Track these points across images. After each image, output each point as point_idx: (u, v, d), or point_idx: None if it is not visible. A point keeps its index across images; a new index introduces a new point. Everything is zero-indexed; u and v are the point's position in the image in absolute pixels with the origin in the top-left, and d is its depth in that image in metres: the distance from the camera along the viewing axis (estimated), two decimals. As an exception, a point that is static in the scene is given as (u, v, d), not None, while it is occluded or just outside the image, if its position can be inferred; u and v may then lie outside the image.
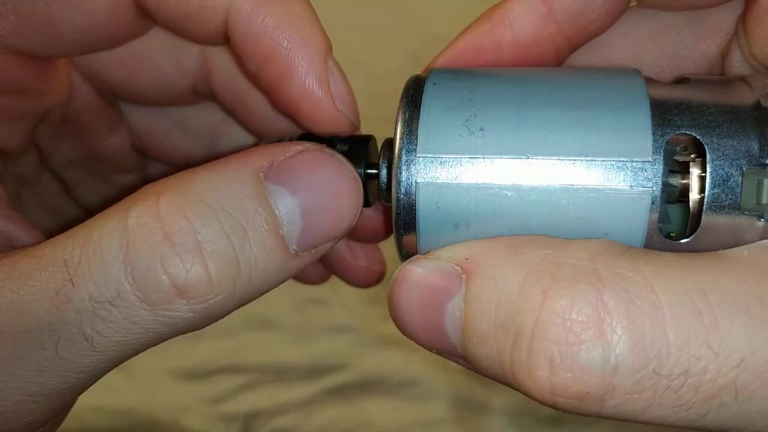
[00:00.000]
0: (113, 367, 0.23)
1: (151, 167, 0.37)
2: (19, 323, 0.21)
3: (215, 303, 0.22)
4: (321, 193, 0.23)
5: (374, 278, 0.39)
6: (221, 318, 0.23)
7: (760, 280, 0.19)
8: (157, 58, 0.31)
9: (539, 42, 0.25)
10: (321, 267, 0.39)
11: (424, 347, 0.23)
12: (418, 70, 0.26)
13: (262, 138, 0.34)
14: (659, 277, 0.20)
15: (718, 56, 0.26)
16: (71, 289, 0.21)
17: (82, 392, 0.23)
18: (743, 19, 0.25)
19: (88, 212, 0.37)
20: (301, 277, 0.40)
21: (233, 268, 0.22)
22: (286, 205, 0.23)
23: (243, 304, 0.23)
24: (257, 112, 0.32)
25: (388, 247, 0.66)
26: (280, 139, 0.28)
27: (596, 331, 0.19)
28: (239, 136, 0.35)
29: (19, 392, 0.22)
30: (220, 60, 0.31)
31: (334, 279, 0.66)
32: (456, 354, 0.22)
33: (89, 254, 0.21)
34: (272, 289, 0.24)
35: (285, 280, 0.24)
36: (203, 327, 0.23)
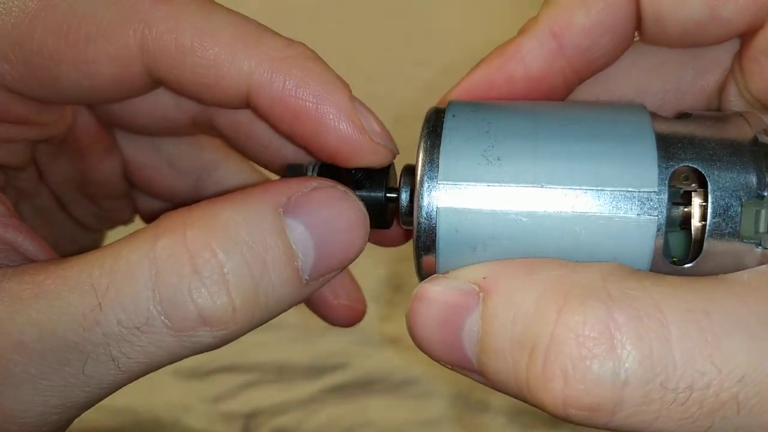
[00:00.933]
0: (128, 383, 0.24)
1: (138, 196, 0.38)
2: (46, 342, 0.22)
3: (235, 330, 0.23)
4: (333, 227, 0.25)
5: (355, 317, 0.40)
6: (232, 341, 0.24)
7: (759, 301, 0.20)
8: (157, 90, 0.31)
9: (550, 75, 0.27)
10: None
11: (440, 362, 0.24)
12: (436, 99, 0.28)
13: (266, 166, 0.35)
14: (665, 297, 0.21)
15: (716, 91, 0.28)
16: (99, 313, 0.22)
17: (95, 405, 0.25)
18: (739, 57, 0.27)
19: (83, 227, 0.38)
20: None
21: (253, 298, 0.23)
22: (302, 239, 0.24)
23: (256, 327, 0.25)
24: (263, 142, 0.33)
25: (367, 282, 0.65)
26: (302, 166, 0.29)
27: (607, 346, 0.20)
28: (226, 176, 0.37)
29: (43, 404, 0.23)
30: None
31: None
32: (471, 369, 0.23)
33: (117, 281, 0.22)
34: (282, 313, 0.25)
35: (294, 305, 0.25)
36: (217, 348, 0.25)
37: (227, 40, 0.25)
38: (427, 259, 0.25)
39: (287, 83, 0.25)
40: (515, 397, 0.23)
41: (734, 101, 0.27)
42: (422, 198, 0.24)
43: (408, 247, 0.70)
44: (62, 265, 0.23)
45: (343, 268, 0.26)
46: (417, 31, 0.73)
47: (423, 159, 0.24)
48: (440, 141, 0.24)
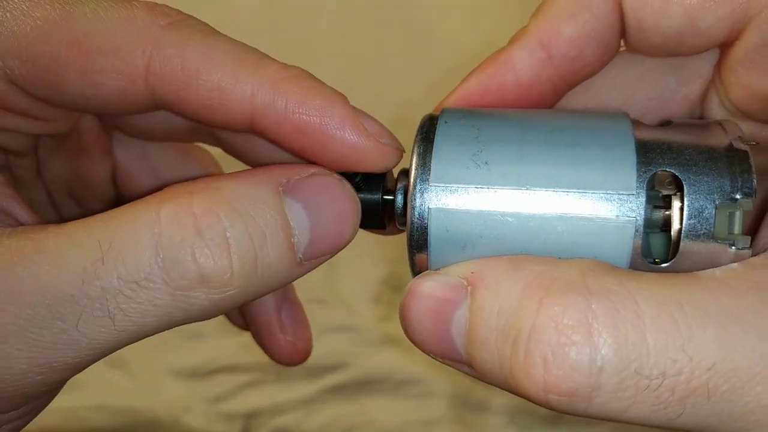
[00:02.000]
0: (116, 350, 0.24)
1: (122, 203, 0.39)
2: (41, 293, 0.23)
3: (230, 295, 0.24)
4: (328, 211, 0.26)
5: (298, 357, 0.41)
6: (225, 312, 0.25)
7: (730, 296, 0.22)
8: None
9: (539, 83, 0.28)
10: (240, 317, 0.42)
11: (431, 355, 0.26)
12: (436, 100, 0.29)
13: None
14: (641, 291, 0.22)
15: (699, 100, 0.30)
16: (101, 267, 0.23)
17: (78, 372, 0.25)
18: (718, 67, 0.28)
19: None
20: (229, 316, 0.42)
21: (251, 266, 0.24)
22: (299, 218, 0.25)
23: (249, 300, 0.25)
24: (262, 143, 0.34)
25: (367, 282, 0.65)
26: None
27: (585, 334, 0.21)
28: None
29: (28, 362, 0.23)
30: None
31: (334, 279, 0.66)
32: (461, 360, 0.25)
33: (121, 238, 0.23)
34: (274, 291, 0.26)
35: (285, 284, 0.26)
36: (209, 318, 0.25)
37: (230, 65, 0.26)
38: (419, 257, 0.26)
39: (289, 101, 0.27)
40: (501, 386, 0.24)
41: (716, 109, 0.29)
42: (415, 199, 0.25)
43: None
44: (63, 225, 0.24)
45: (334, 253, 0.27)
46: (417, 33, 0.73)
47: (416, 162, 0.26)
48: (432, 146, 0.26)
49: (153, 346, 0.63)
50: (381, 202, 0.29)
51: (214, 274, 0.23)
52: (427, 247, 0.26)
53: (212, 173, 0.39)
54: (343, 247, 0.27)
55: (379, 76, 0.70)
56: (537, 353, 0.22)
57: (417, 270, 0.27)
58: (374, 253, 0.67)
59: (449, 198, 0.25)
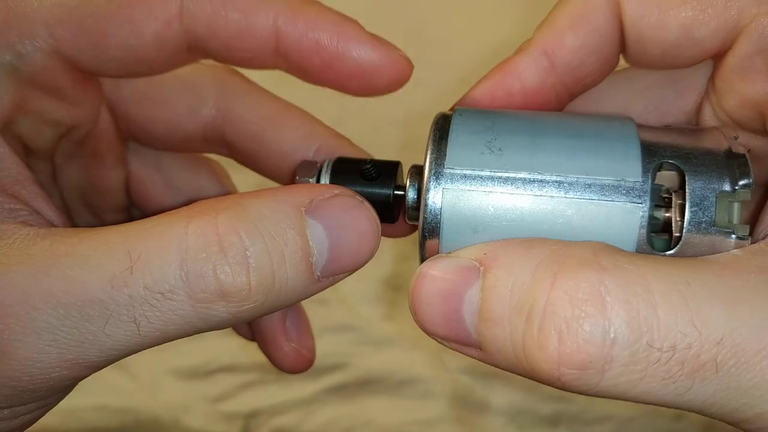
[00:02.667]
0: (140, 351, 0.26)
1: (134, 213, 0.41)
2: (73, 295, 0.24)
3: (247, 308, 0.25)
4: (348, 232, 0.27)
5: (301, 364, 0.42)
6: (245, 322, 0.25)
7: (735, 277, 0.23)
8: (174, 103, 0.35)
9: (543, 90, 0.30)
10: (248, 330, 0.43)
11: (438, 338, 0.26)
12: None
13: (275, 178, 0.38)
14: (650, 269, 0.23)
15: (694, 111, 0.31)
16: (129, 276, 0.24)
17: (101, 369, 0.26)
18: (712, 78, 0.30)
19: None
20: (236, 327, 0.44)
21: (269, 283, 0.25)
22: (318, 238, 0.26)
23: (267, 313, 0.27)
24: (273, 148, 0.36)
25: (367, 282, 0.66)
26: (314, 163, 0.32)
27: (598, 307, 0.22)
28: None
29: (57, 357, 0.24)
30: (238, 106, 0.36)
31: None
32: (469, 342, 0.25)
33: (150, 250, 0.24)
34: (292, 305, 0.28)
35: (303, 299, 0.27)
36: (229, 327, 0.27)
37: None
38: (430, 242, 0.27)
39: (308, 19, 0.30)
40: (510, 366, 0.25)
41: (710, 120, 0.30)
42: (430, 182, 0.26)
43: (407, 248, 0.70)
44: (95, 230, 0.25)
45: (354, 270, 0.28)
46: (417, 33, 0.74)
47: (432, 148, 0.27)
48: (448, 132, 0.27)
49: (153, 347, 0.64)
50: (392, 196, 0.30)
51: (233, 290, 0.25)
52: (439, 231, 0.26)
53: (223, 183, 0.41)
54: (363, 266, 0.28)
55: (410, 112, 0.70)
56: (551, 326, 0.22)
57: (426, 256, 0.27)
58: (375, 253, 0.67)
59: (464, 182, 0.26)
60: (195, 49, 0.31)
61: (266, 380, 0.62)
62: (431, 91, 0.65)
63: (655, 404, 0.23)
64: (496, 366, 0.25)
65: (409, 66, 0.31)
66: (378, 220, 0.28)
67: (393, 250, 0.66)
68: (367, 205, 0.28)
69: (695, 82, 0.31)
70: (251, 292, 0.25)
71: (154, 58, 0.31)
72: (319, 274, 0.26)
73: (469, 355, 0.26)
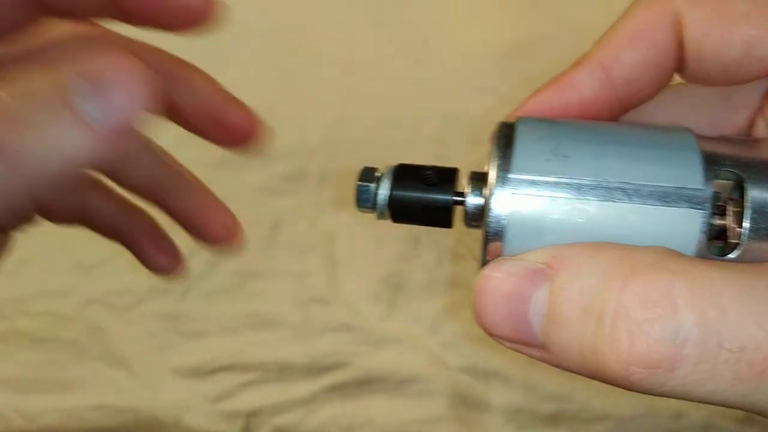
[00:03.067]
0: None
1: None
2: None
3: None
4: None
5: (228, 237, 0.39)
6: None
7: None
8: None
9: (598, 103, 0.30)
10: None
11: (501, 339, 0.27)
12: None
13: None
14: (716, 273, 0.23)
15: (747, 126, 0.32)
16: None
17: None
18: (767, 95, 0.30)
19: None
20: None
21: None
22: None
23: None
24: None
25: (367, 282, 0.65)
26: (375, 170, 0.31)
27: (669, 309, 0.23)
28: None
29: None
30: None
31: (334, 278, 0.66)
32: (534, 343, 0.26)
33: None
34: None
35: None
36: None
37: None
38: (493, 245, 0.27)
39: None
40: (575, 367, 0.25)
41: (763, 135, 0.31)
42: (496, 188, 0.27)
43: (407, 247, 0.70)
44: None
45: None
46: (416, 34, 0.74)
47: (498, 153, 0.27)
48: (513, 140, 0.28)
49: (153, 346, 0.64)
50: (451, 202, 0.30)
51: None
52: (503, 234, 0.27)
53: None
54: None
55: (378, 77, 0.70)
56: (623, 327, 0.23)
57: (488, 259, 0.28)
58: (374, 253, 0.67)
59: (530, 187, 0.27)
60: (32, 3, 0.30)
61: (267, 379, 0.62)
62: (431, 92, 0.65)
63: (718, 404, 0.23)
64: (559, 366, 0.26)
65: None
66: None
67: (392, 250, 0.66)
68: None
69: (749, 97, 0.31)
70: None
71: None
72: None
73: (530, 356, 0.26)
